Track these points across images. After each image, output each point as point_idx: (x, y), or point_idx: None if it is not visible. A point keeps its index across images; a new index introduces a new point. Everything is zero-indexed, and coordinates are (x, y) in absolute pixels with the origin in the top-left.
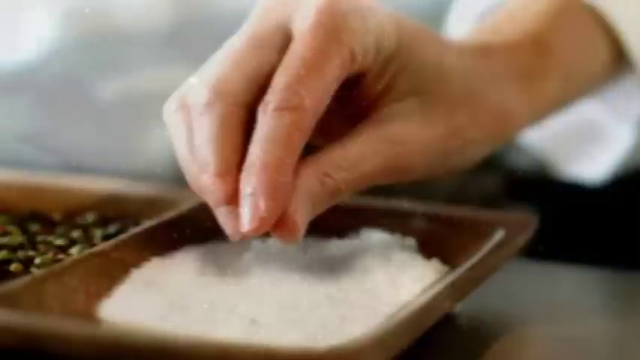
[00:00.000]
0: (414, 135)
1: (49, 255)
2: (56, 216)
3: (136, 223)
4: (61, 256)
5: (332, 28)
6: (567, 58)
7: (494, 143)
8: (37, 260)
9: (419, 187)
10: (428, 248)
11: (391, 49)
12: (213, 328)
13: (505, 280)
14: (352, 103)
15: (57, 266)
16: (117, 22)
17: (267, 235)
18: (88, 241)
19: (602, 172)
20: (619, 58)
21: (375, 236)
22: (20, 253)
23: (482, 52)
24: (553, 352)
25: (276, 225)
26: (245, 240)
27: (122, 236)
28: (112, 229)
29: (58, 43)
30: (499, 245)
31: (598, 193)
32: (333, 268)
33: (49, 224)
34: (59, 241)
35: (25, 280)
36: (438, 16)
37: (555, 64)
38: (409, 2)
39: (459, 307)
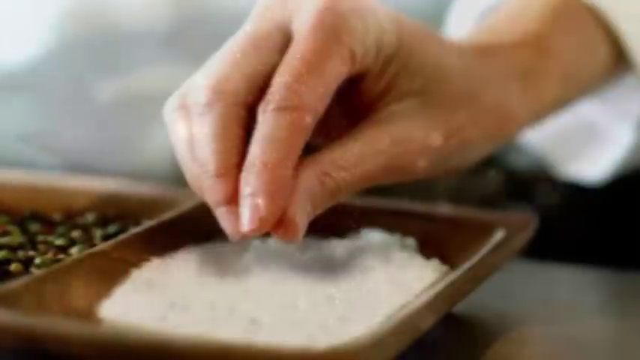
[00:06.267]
0: (414, 135)
1: (49, 255)
2: (56, 216)
3: (136, 223)
4: (61, 256)
5: (332, 29)
6: (567, 58)
7: (494, 143)
8: (37, 260)
9: (419, 187)
10: (428, 248)
11: (391, 49)
12: (213, 328)
13: (505, 280)
14: (352, 103)
15: (57, 266)
16: (117, 22)
17: (267, 235)
18: (88, 241)
19: (602, 172)
20: (619, 58)
21: (375, 236)
22: (20, 253)
23: (483, 52)
24: (553, 352)
25: (276, 225)
26: (245, 240)
27: (122, 236)
28: (112, 229)
29: (57, 43)
30: (499, 245)
31: (598, 193)
32: (333, 268)
33: (49, 224)
34: (59, 241)
35: (25, 280)
36: (438, 16)
37: (555, 64)
38: (409, 2)
39: (459, 307)
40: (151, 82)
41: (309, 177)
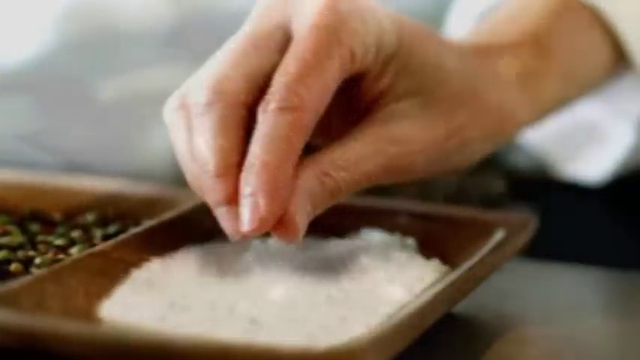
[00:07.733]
0: (414, 135)
1: (49, 255)
2: (56, 216)
3: (136, 223)
4: (61, 256)
5: (332, 29)
6: (567, 58)
7: (494, 143)
8: (37, 260)
9: (419, 187)
10: (428, 248)
11: (391, 50)
12: (213, 328)
13: (505, 280)
14: (352, 103)
15: (57, 266)
16: (117, 22)
17: (267, 235)
18: (88, 241)
19: (602, 172)
20: (619, 57)
21: (375, 236)
22: (20, 253)
23: (482, 52)
24: (553, 352)
25: (276, 225)
26: (245, 240)
27: (122, 236)
28: (112, 229)
29: (58, 43)
30: (499, 245)
31: (598, 193)
32: (333, 268)
33: (49, 224)
34: (59, 241)
35: (25, 280)
36: (438, 16)
37: (555, 64)
38: (409, 2)
39: (459, 307)
40: (151, 82)
41: (309, 177)
